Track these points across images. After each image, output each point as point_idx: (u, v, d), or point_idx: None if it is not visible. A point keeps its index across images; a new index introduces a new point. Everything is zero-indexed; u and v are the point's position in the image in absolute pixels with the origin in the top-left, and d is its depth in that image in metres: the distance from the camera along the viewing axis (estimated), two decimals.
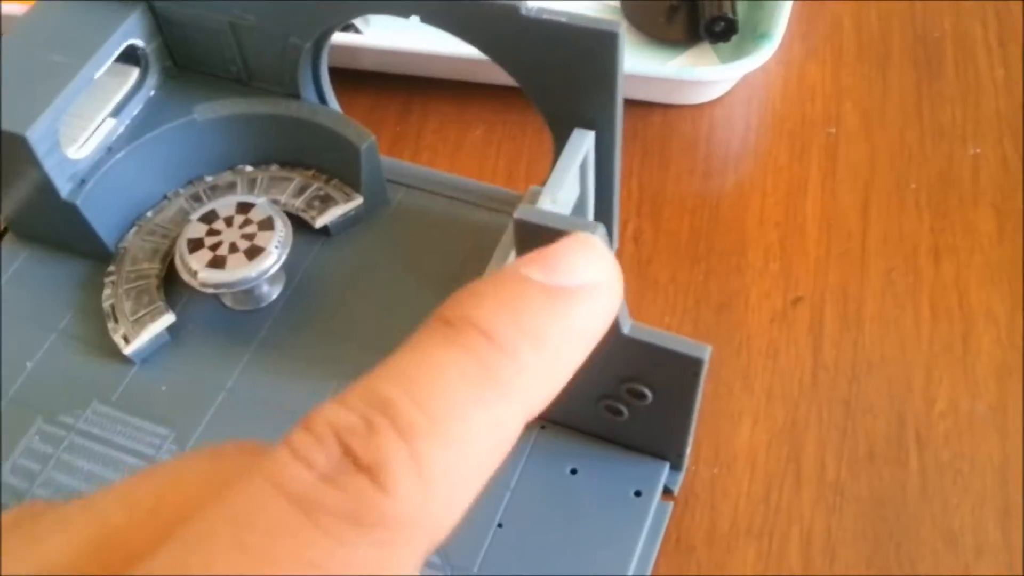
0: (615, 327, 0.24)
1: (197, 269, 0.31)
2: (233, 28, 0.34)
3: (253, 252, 0.31)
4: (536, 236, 0.23)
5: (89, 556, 0.15)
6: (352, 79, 0.44)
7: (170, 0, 0.33)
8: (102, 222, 0.33)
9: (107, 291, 0.33)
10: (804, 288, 0.36)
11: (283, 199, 0.35)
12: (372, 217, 0.35)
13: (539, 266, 0.17)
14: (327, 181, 0.36)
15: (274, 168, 0.36)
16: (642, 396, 0.27)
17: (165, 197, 0.35)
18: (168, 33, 0.35)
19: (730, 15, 0.41)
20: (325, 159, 0.36)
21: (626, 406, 0.28)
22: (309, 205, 0.35)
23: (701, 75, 0.40)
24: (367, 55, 0.43)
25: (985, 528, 0.31)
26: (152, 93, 0.35)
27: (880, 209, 0.39)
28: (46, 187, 0.32)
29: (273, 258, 0.31)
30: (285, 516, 0.14)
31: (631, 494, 0.29)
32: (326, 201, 0.35)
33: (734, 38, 0.42)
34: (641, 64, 0.41)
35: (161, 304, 0.32)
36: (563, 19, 0.28)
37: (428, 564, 0.28)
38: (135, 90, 0.35)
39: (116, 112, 0.34)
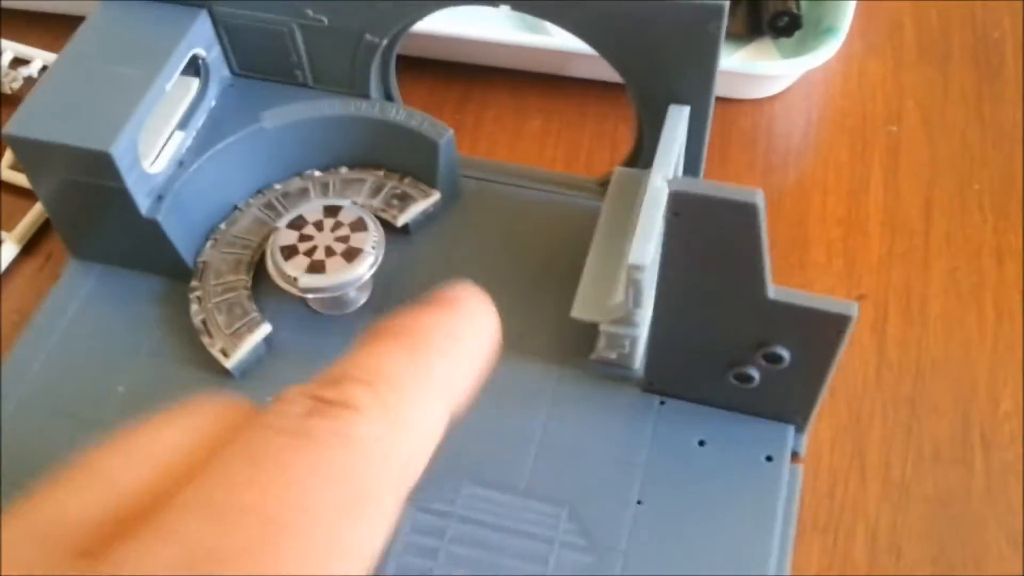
0: (757, 295, 0.25)
1: (296, 276, 0.31)
2: (302, 30, 0.33)
3: (351, 254, 0.31)
4: (695, 207, 0.23)
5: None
6: (410, 66, 0.44)
7: (235, 5, 0.33)
8: (180, 237, 0.33)
9: (194, 307, 0.32)
10: (867, 286, 0.36)
11: (360, 200, 0.35)
12: (447, 212, 0.35)
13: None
14: (401, 179, 0.35)
15: (344, 171, 0.36)
16: (779, 359, 0.27)
17: (236, 208, 0.35)
18: (229, 40, 0.35)
19: (795, 10, 0.41)
20: (397, 157, 0.35)
21: (759, 371, 0.28)
22: (388, 204, 0.35)
23: (766, 69, 0.40)
24: (426, 42, 0.43)
25: None
26: (213, 103, 0.35)
27: (943, 208, 0.38)
28: (126, 205, 0.31)
29: (372, 258, 0.31)
30: (284, 442, 0.17)
31: (763, 459, 0.29)
32: (404, 199, 0.35)
33: (796, 33, 0.41)
34: None
35: (256, 315, 0.32)
36: None
37: (573, 547, 0.28)
38: (198, 101, 0.34)
39: (183, 124, 0.33)
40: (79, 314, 0.34)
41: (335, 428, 0.17)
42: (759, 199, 0.23)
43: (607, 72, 0.34)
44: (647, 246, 0.27)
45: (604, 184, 0.36)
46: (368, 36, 0.33)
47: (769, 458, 0.30)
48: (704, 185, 0.23)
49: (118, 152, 0.30)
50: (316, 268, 0.31)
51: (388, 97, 0.36)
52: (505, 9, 0.31)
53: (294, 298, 0.32)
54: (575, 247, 0.33)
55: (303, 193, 0.35)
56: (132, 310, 0.34)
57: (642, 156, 0.34)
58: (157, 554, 0.15)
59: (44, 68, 0.45)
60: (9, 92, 0.44)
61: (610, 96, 0.42)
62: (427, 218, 0.35)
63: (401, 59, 0.38)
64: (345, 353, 0.20)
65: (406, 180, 0.35)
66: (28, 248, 0.39)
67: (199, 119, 0.34)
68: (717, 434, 0.30)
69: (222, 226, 0.34)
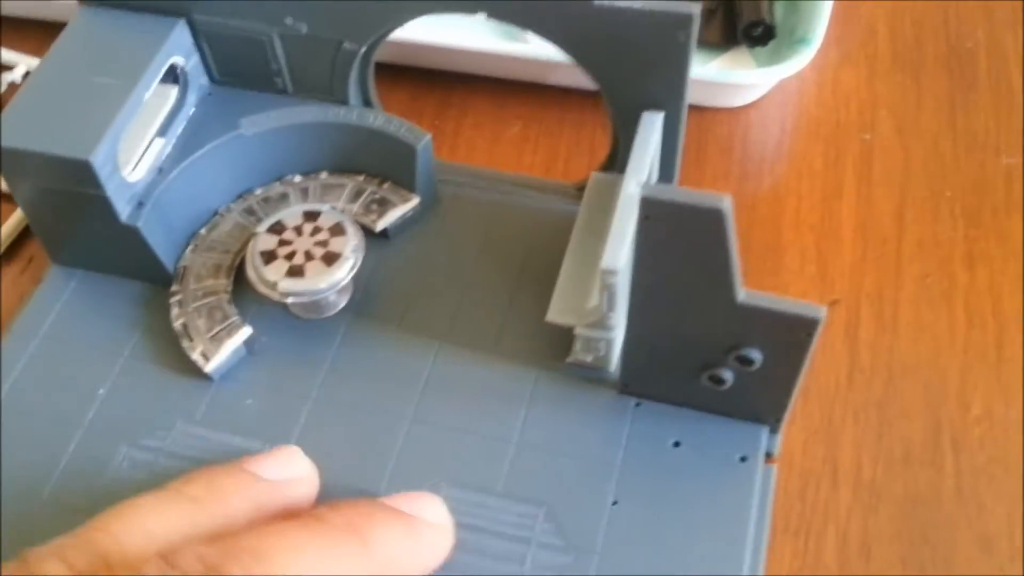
0: (727, 298, 0.26)
1: (276, 280, 0.31)
2: (282, 39, 0.34)
3: (330, 258, 0.31)
4: (665, 213, 0.24)
5: None
6: (390, 73, 0.44)
7: (215, 14, 0.33)
8: (160, 243, 0.33)
9: (175, 311, 0.33)
10: (840, 291, 0.37)
11: (340, 205, 0.35)
12: (425, 217, 0.36)
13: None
14: (380, 184, 0.36)
15: (323, 176, 0.36)
16: (750, 362, 0.28)
17: (216, 213, 0.35)
18: (208, 48, 0.35)
19: (768, 20, 0.41)
20: (376, 162, 0.36)
21: (732, 373, 0.29)
22: (367, 209, 0.35)
23: (741, 78, 0.40)
24: (406, 50, 0.43)
25: (1020, 532, 0.31)
26: (193, 111, 0.35)
27: (915, 215, 0.39)
28: (106, 212, 0.31)
29: (351, 262, 0.32)
30: None
31: (736, 460, 0.30)
32: (383, 204, 0.35)
33: (771, 42, 0.42)
34: None
35: (236, 319, 0.32)
36: (637, 6, 0.29)
37: (549, 547, 0.28)
38: (177, 109, 0.34)
39: (162, 131, 0.34)
40: (60, 318, 0.34)
41: None
42: (726, 205, 0.23)
43: (585, 80, 0.34)
44: (620, 251, 0.27)
45: (581, 188, 0.36)
46: (347, 44, 0.33)
47: (743, 459, 0.30)
48: (674, 191, 0.24)
49: (98, 160, 0.30)
50: (295, 272, 0.31)
51: (367, 103, 0.36)
52: (483, 16, 0.31)
53: (275, 302, 0.32)
54: (552, 251, 0.33)
55: (283, 198, 0.35)
56: (113, 314, 0.34)
57: (617, 161, 0.34)
58: None
59: (27, 74, 0.45)
60: None
61: (589, 103, 0.43)
62: (406, 223, 0.35)
63: (381, 66, 0.38)
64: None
65: (385, 185, 0.36)
66: (9, 252, 0.39)
67: (178, 126, 0.34)
68: (692, 435, 0.30)
69: (203, 231, 0.35)
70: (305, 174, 0.36)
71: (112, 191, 0.31)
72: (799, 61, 0.40)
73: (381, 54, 0.44)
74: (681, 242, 0.25)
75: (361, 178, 0.36)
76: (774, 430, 0.31)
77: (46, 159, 0.30)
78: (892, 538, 0.31)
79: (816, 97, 0.43)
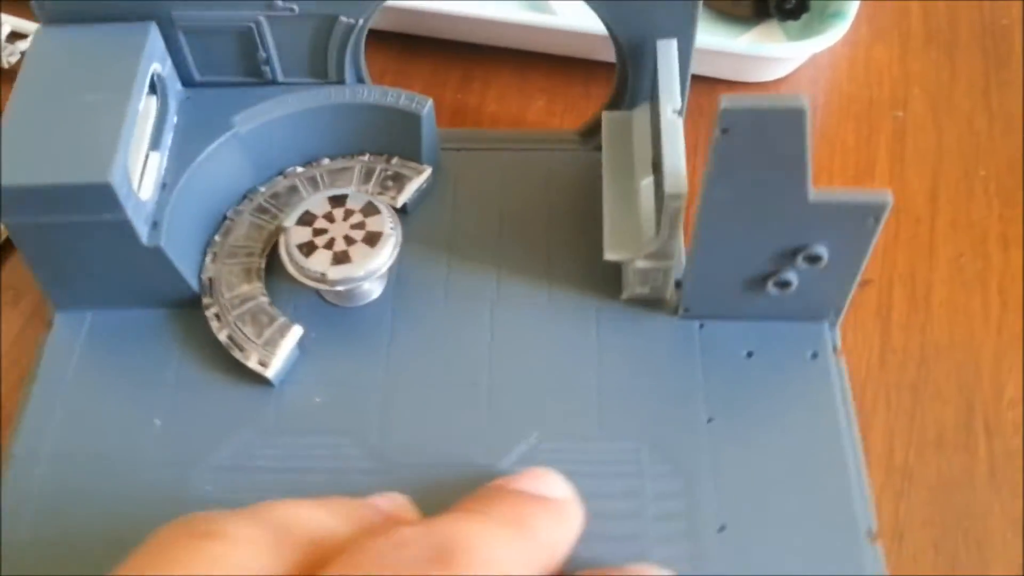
0: (800, 198, 0.26)
1: (323, 270, 0.30)
2: (271, 23, 0.32)
3: (372, 239, 0.30)
4: (745, 122, 0.24)
5: None
6: (411, 45, 0.44)
7: (198, 7, 0.31)
8: (181, 260, 0.31)
9: (214, 324, 0.31)
10: (872, 271, 0.36)
11: (354, 188, 0.34)
12: (437, 185, 0.35)
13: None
14: (388, 160, 0.35)
15: (326, 162, 0.35)
16: (818, 259, 0.28)
17: (226, 218, 0.33)
18: (188, 47, 0.33)
19: None
20: (379, 138, 0.35)
21: (796, 276, 0.29)
22: (384, 187, 0.34)
23: (772, 52, 0.39)
24: (428, 21, 0.43)
25: None
26: (175, 119, 0.33)
27: (949, 195, 0.38)
28: (126, 237, 0.29)
29: (394, 239, 0.31)
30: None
31: (809, 357, 0.31)
32: (398, 179, 0.34)
33: (803, 17, 0.41)
34: (708, 39, 0.41)
35: (284, 319, 0.31)
36: None
37: (661, 476, 0.28)
38: (161, 119, 0.32)
39: (154, 145, 0.31)
40: (84, 363, 0.31)
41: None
42: (805, 103, 0.24)
43: (610, 53, 0.34)
44: (682, 173, 0.27)
45: (583, 134, 0.36)
46: (343, 18, 0.32)
47: (815, 355, 0.31)
48: (751, 99, 0.24)
49: (116, 181, 0.28)
50: (341, 259, 0.30)
51: (359, 79, 0.35)
52: None
53: (306, 294, 0.31)
54: (571, 196, 0.34)
55: (292, 191, 0.34)
56: (139, 345, 0.32)
57: (625, 98, 0.34)
58: None
59: None
60: (7, 67, 0.43)
61: (613, 77, 0.42)
62: (420, 195, 0.34)
63: (402, 38, 0.38)
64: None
65: (393, 160, 0.35)
66: None
67: (167, 137, 0.32)
68: (761, 343, 0.31)
69: (216, 238, 0.33)
70: (305, 164, 0.35)
71: (131, 213, 0.29)
72: (833, 35, 0.39)
73: (402, 25, 0.43)
74: (759, 149, 0.25)
75: (366, 158, 0.35)
76: (833, 324, 0.31)
77: (57, 190, 0.28)
78: (924, 522, 0.31)
79: (848, 73, 0.42)
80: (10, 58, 0.43)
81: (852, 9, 0.40)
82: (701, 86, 0.41)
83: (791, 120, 0.24)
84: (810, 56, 0.41)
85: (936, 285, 0.36)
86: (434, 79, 0.43)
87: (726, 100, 0.24)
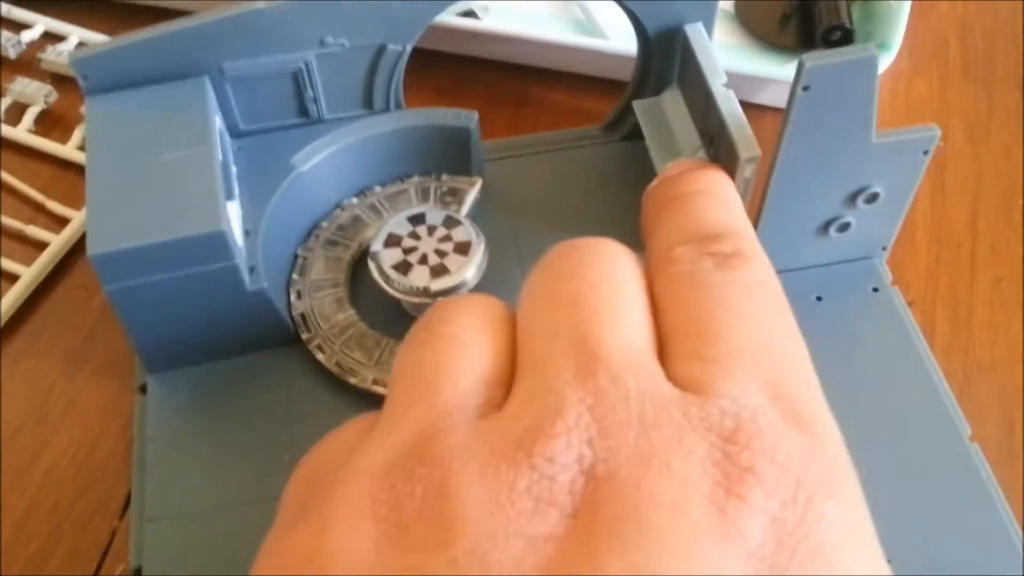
0: (865, 142, 0.29)
1: (425, 284, 0.31)
2: (319, 61, 0.33)
3: (463, 248, 0.32)
4: (826, 76, 0.27)
5: None
6: (465, 67, 0.45)
7: (245, 59, 0.32)
8: (278, 301, 0.32)
9: (320, 356, 0.32)
10: (915, 293, 0.37)
11: (423, 209, 0.35)
12: (484, 195, 0.36)
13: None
14: (437, 178, 0.36)
15: (378, 189, 0.36)
16: (875, 197, 0.31)
17: (297, 256, 0.34)
18: (234, 98, 0.33)
19: (848, 25, 0.42)
20: (427, 158, 0.36)
21: (856, 217, 0.32)
22: (444, 203, 0.35)
23: None
24: (481, 42, 0.44)
25: None
26: (234, 169, 0.33)
27: (988, 222, 0.40)
28: (233, 284, 0.30)
29: (482, 244, 0.32)
30: (718, 289, 0.20)
31: (871, 291, 0.34)
32: (455, 193, 0.35)
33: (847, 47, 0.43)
34: (755, 66, 0.42)
35: (387, 339, 0.32)
36: None
37: None
38: (226, 170, 0.31)
39: (228, 195, 0.31)
40: (194, 417, 0.31)
41: (749, 276, 0.20)
42: (876, 51, 0.27)
43: None
44: (752, 136, 0.29)
45: (607, 128, 0.38)
46: (391, 46, 0.33)
47: (875, 289, 0.34)
48: (827, 55, 0.27)
49: (227, 228, 0.28)
50: (439, 271, 0.31)
51: (398, 105, 0.36)
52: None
53: (391, 313, 0.32)
54: (616, 186, 0.36)
55: (356, 221, 0.35)
56: (245, 391, 0.32)
57: (649, 85, 0.36)
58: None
59: (46, 33, 0.46)
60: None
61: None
62: (473, 206, 0.35)
63: (455, 59, 0.39)
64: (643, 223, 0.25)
65: (443, 177, 0.36)
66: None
67: (235, 187, 0.32)
68: (826, 287, 0.34)
69: (295, 277, 0.34)
70: (358, 194, 0.36)
71: (239, 260, 0.29)
72: (879, 65, 0.40)
73: (457, 46, 0.45)
74: (835, 101, 0.28)
75: (416, 179, 0.36)
76: (881, 260, 0.34)
77: (168, 247, 0.28)
78: None
79: (890, 104, 0.44)
80: (51, 57, 0.45)
81: (897, 41, 0.41)
82: (748, 113, 0.42)
83: (864, 68, 0.27)
84: None
85: (977, 307, 0.37)
86: (489, 101, 0.44)
87: (808, 59, 0.27)
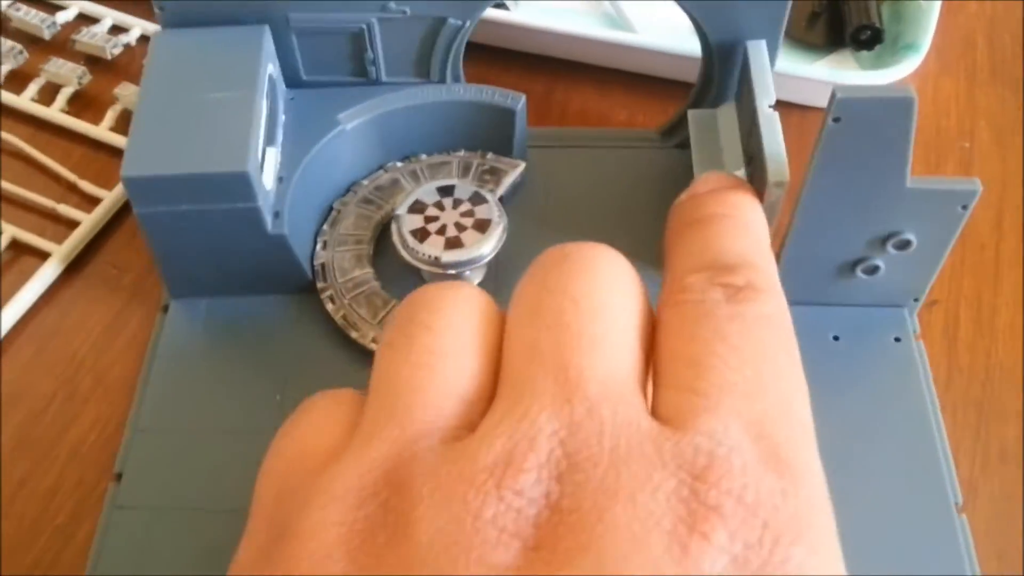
0: (898, 185, 0.28)
1: (437, 255, 0.32)
2: (381, 25, 0.34)
3: (482, 225, 0.32)
4: (858, 111, 0.26)
5: None
6: (495, 58, 0.45)
7: (314, 7, 0.33)
8: (299, 248, 0.33)
9: (330, 306, 0.33)
10: (939, 293, 0.38)
11: (454, 182, 0.36)
12: (526, 180, 0.36)
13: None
14: (482, 156, 0.37)
15: (424, 158, 0.37)
16: (907, 245, 0.30)
17: (332, 209, 0.36)
18: (298, 49, 0.35)
19: (878, 24, 0.42)
20: (473, 135, 0.36)
21: (885, 262, 0.31)
22: (481, 181, 0.36)
23: (852, 79, 0.41)
24: (512, 34, 0.44)
25: None
26: (283, 117, 0.34)
27: (1013, 223, 0.40)
28: (254, 225, 0.31)
29: (502, 225, 0.32)
30: (725, 324, 0.20)
31: (892, 341, 0.33)
32: (495, 173, 0.36)
33: (876, 47, 0.43)
34: (783, 64, 0.42)
35: (395, 301, 0.33)
36: None
37: None
38: (273, 117, 0.33)
39: (269, 141, 0.33)
40: (204, 344, 0.33)
41: (756, 310, 0.20)
42: (914, 94, 0.26)
43: (690, 73, 0.35)
44: (784, 162, 0.29)
45: (663, 133, 0.38)
46: (451, 20, 0.34)
47: (897, 339, 0.33)
48: (861, 89, 0.26)
49: (251, 171, 0.30)
50: (454, 244, 0.32)
51: (456, 79, 0.37)
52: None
53: (410, 278, 0.33)
54: (655, 192, 0.36)
55: (394, 184, 0.36)
56: (257, 329, 0.34)
57: (709, 97, 0.36)
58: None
59: (143, 37, 0.47)
60: (110, 58, 0.45)
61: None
62: (512, 189, 0.36)
63: (486, 50, 0.39)
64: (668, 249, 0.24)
65: (487, 155, 0.37)
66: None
67: (279, 134, 0.34)
68: (846, 328, 0.33)
69: (325, 227, 0.35)
70: (404, 159, 0.37)
71: (261, 202, 0.31)
72: (908, 65, 0.41)
73: (488, 37, 0.45)
74: (867, 137, 0.27)
75: (461, 153, 0.37)
76: (912, 311, 0.33)
77: (195, 180, 0.30)
78: (988, 533, 0.32)
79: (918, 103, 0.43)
80: (114, 50, 0.45)
81: (926, 42, 0.41)
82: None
83: (901, 109, 0.26)
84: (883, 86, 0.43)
85: (1001, 308, 0.37)
86: (517, 90, 0.44)
87: (840, 91, 0.26)
